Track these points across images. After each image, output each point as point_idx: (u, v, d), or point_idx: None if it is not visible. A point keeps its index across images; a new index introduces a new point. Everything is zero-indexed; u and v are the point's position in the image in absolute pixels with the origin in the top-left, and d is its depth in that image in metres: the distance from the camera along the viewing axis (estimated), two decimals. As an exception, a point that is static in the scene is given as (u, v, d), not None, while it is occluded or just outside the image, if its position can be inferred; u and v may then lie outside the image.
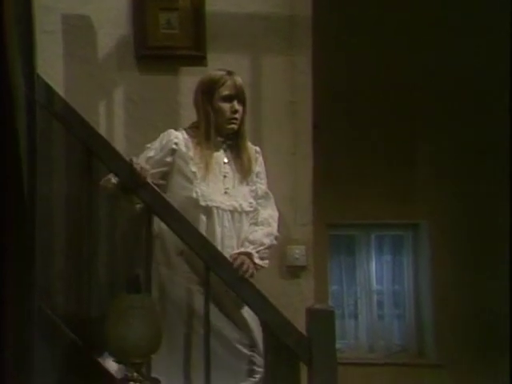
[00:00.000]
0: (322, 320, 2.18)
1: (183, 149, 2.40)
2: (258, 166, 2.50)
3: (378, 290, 4.43)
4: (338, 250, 4.40)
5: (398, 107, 4.11)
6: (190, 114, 2.78)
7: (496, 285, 4.06)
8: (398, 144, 4.14)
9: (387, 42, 4.05)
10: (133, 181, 2.20)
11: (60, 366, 2.25)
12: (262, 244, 2.40)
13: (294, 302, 2.44)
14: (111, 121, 2.78)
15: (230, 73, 2.45)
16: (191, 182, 2.37)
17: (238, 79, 2.44)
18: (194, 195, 2.35)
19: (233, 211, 2.39)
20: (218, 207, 2.37)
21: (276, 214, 2.51)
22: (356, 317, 4.40)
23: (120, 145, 2.64)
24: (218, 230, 2.37)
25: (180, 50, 2.80)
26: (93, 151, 2.24)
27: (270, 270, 2.57)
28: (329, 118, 3.79)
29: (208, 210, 2.37)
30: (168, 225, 2.29)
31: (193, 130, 2.46)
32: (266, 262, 2.40)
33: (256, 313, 2.22)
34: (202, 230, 2.33)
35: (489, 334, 4.01)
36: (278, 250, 2.69)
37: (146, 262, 2.25)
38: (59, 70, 2.69)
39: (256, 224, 2.46)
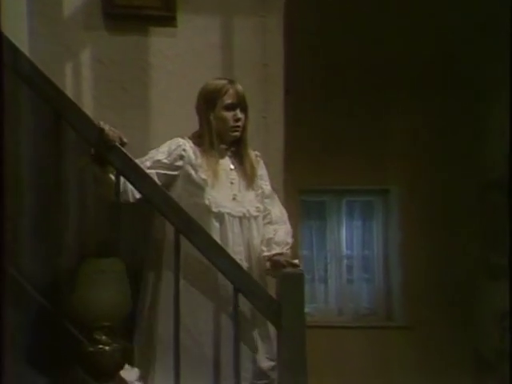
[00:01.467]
0: (292, 284, 2.20)
1: (192, 156, 2.43)
2: (260, 170, 2.56)
3: (348, 255, 4.47)
4: (309, 215, 4.42)
5: (372, 73, 4.08)
6: (159, 76, 2.74)
7: (464, 249, 4.14)
8: (371, 110, 4.14)
9: (364, 4, 3.99)
10: (101, 143, 2.17)
11: (28, 330, 2.24)
12: (287, 244, 2.50)
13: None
14: (79, 82, 2.71)
15: (231, 81, 2.49)
16: (202, 189, 2.39)
17: (240, 87, 2.48)
18: (207, 202, 2.38)
19: (242, 217, 2.43)
20: (229, 213, 2.41)
21: (285, 211, 2.59)
22: (326, 281, 4.45)
23: (88, 107, 2.59)
24: (230, 235, 2.40)
25: (149, 10, 2.73)
26: (60, 113, 2.19)
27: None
28: (301, 83, 3.76)
29: (220, 216, 2.39)
30: (139, 190, 2.27)
31: (196, 139, 2.49)
32: (297, 261, 2.45)
33: (228, 278, 2.23)
34: (216, 236, 2.34)
35: (455, 297, 4.09)
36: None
37: (116, 225, 2.24)
38: (23, 28, 2.61)
39: (271, 223, 2.53)
